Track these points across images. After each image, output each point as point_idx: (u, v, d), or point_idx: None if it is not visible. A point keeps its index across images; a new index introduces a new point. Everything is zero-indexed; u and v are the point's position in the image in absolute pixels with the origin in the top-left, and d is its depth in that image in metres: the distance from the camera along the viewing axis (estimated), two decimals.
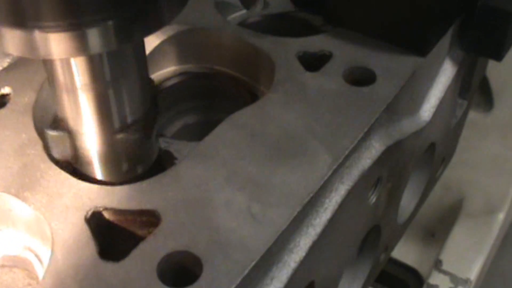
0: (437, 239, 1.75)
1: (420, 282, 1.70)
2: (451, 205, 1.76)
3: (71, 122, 0.62)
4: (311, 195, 0.63)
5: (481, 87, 1.39)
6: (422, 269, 1.72)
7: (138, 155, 0.66)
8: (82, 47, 0.50)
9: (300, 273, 0.64)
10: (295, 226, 0.63)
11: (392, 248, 1.03)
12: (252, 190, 0.63)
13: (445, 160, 1.13)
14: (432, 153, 0.98)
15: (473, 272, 1.63)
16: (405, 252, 1.72)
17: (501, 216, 1.70)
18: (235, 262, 0.56)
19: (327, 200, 0.66)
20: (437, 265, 1.66)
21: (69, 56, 0.53)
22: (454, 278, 1.62)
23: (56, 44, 0.50)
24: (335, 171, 0.66)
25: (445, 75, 0.89)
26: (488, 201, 1.71)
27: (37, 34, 0.49)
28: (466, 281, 1.61)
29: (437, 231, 1.77)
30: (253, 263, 0.56)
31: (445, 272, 1.64)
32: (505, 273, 2.00)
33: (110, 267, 0.56)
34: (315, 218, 0.65)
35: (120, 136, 0.63)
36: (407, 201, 1.00)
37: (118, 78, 0.59)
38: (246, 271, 0.56)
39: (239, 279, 0.55)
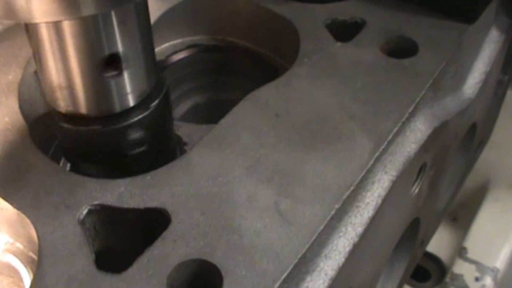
0: (460, 225, 1.67)
1: (443, 271, 1.62)
2: (475, 188, 1.69)
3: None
4: (351, 188, 0.55)
5: None
6: (444, 256, 1.65)
7: None
8: (72, 7, 0.45)
9: (338, 281, 0.54)
10: (333, 226, 0.54)
11: (428, 242, 0.94)
12: (279, 183, 0.55)
13: (483, 141, 1.04)
14: (472, 134, 0.90)
15: (500, 260, 1.55)
16: None
17: None
18: (263, 273, 0.48)
19: (369, 194, 0.58)
20: (461, 253, 1.58)
21: (56, 19, 0.46)
22: (480, 267, 1.54)
23: (40, 3, 0.44)
24: (377, 159, 0.58)
25: (490, 46, 0.81)
26: None
27: None
28: (493, 270, 1.53)
29: (460, 216, 1.69)
30: (285, 274, 0.48)
31: (471, 261, 1.56)
32: None
33: (108, 280, 0.48)
34: (355, 215, 0.57)
35: None
36: (445, 188, 0.92)
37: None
38: (277, 285, 0.47)
39: None
